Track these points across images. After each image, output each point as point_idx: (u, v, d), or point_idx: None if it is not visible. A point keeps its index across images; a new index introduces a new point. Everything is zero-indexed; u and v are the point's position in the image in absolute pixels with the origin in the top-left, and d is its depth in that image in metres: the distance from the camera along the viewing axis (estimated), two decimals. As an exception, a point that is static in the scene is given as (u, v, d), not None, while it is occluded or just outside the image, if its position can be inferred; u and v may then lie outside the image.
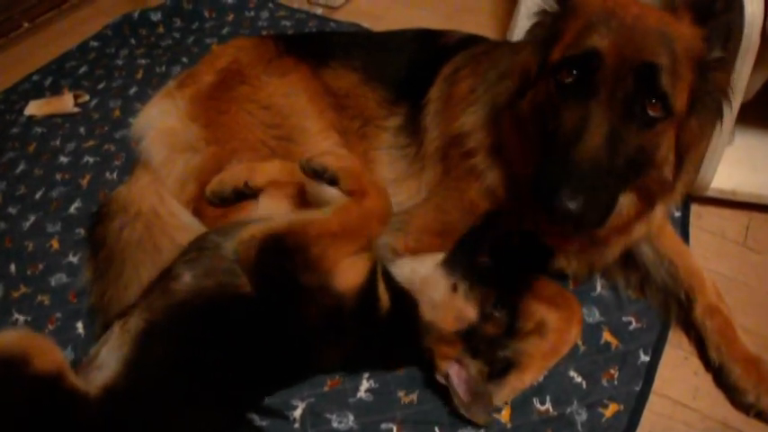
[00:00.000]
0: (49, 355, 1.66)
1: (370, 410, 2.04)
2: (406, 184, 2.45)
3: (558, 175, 1.60)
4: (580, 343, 2.19)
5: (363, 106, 2.55)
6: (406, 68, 2.61)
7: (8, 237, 2.71)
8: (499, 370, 2.02)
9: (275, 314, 1.83)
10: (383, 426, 2.01)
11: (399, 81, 2.57)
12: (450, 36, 2.69)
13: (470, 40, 2.62)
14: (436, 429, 2.00)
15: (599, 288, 2.39)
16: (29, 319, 2.37)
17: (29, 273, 2.55)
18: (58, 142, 3.21)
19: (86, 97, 3.47)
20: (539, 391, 2.07)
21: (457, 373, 1.93)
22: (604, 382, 2.11)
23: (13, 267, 2.58)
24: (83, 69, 3.73)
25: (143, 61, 3.75)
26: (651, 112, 1.68)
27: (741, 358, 2.11)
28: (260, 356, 1.86)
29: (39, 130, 3.31)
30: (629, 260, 2.36)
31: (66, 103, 3.41)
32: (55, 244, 2.65)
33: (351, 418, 2.03)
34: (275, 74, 2.53)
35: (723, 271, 2.52)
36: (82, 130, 3.27)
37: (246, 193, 2.22)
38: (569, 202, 1.55)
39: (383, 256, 2.11)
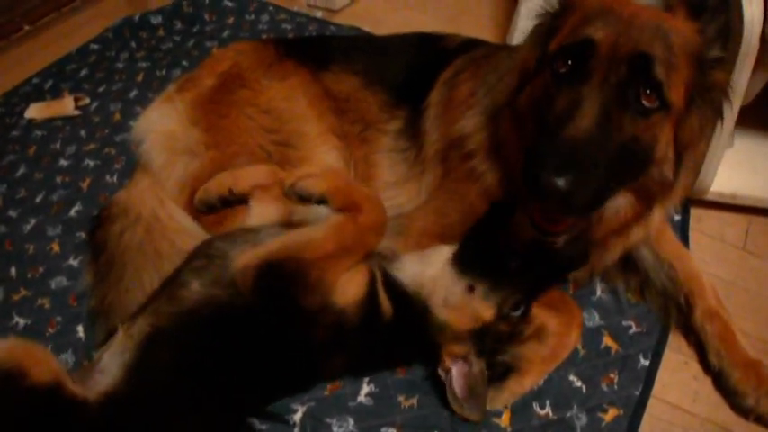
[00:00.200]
0: (45, 364, 1.65)
1: (370, 415, 2.04)
2: (407, 187, 2.46)
3: (547, 154, 1.59)
4: (580, 347, 2.20)
5: (364, 110, 2.55)
6: (407, 72, 2.61)
7: (8, 240, 2.71)
8: (499, 374, 2.03)
9: (280, 328, 1.83)
10: (383, 430, 2.01)
11: (400, 85, 2.58)
12: (450, 40, 2.69)
13: (470, 44, 2.63)
14: (436, 433, 2.00)
15: (599, 292, 2.39)
16: (29, 322, 2.37)
17: (29, 276, 2.55)
18: (58, 145, 3.20)
19: (87, 100, 3.47)
20: (538, 395, 2.07)
21: (459, 369, 1.92)
22: (604, 387, 2.11)
23: (13, 270, 2.57)
24: (83, 72, 3.72)
25: (143, 64, 3.74)
26: (646, 102, 1.68)
27: (740, 362, 2.11)
28: (264, 366, 1.86)
29: (39, 133, 3.30)
30: (629, 264, 2.36)
31: (66, 106, 3.40)
32: (55, 247, 2.65)
33: (351, 422, 2.02)
34: (275, 78, 2.53)
35: (723, 275, 2.52)
36: (82, 133, 3.27)
37: (232, 201, 2.22)
38: (557, 178, 1.52)
39: (384, 260, 2.09)
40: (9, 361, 1.60)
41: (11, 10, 3.99)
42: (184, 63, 3.70)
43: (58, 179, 3.00)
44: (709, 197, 2.69)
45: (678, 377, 2.20)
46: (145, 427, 1.72)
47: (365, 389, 2.10)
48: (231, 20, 4.09)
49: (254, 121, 2.41)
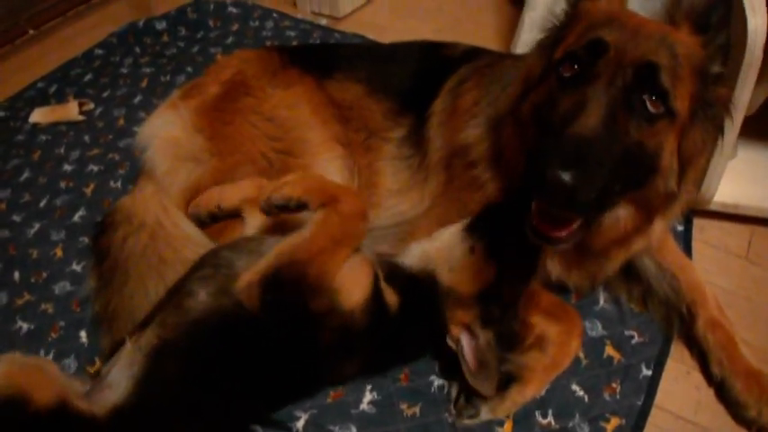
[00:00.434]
0: (47, 384, 1.61)
1: (373, 422, 2.04)
2: (410, 195, 2.46)
3: (552, 149, 1.59)
4: (582, 356, 2.20)
5: (368, 118, 2.56)
6: (411, 80, 2.62)
7: (12, 244, 2.72)
8: (501, 383, 2.02)
9: (287, 336, 1.83)
10: (385, 438, 2.02)
11: (404, 93, 2.58)
12: (454, 48, 2.70)
13: (474, 53, 2.63)
14: (438, 442, 2.00)
15: (601, 301, 2.39)
16: (32, 327, 2.37)
17: (33, 280, 2.55)
18: (62, 150, 3.21)
19: (91, 105, 3.48)
20: (541, 404, 2.07)
21: (467, 341, 1.94)
22: (606, 396, 2.11)
23: (16, 275, 2.58)
24: (88, 77, 3.73)
25: (148, 70, 3.75)
26: (652, 109, 1.69)
27: (743, 372, 2.11)
28: (271, 373, 1.86)
29: (43, 137, 3.31)
30: (632, 273, 2.36)
31: (70, 110, 3.41)
32: (59, 252, 2.66)
33: (353, 430, 2.03)
34: (279, 86, 2.53)
35: (725, 285, 2.52)
36: (86, 138, 3.27)
37: (222, 216, 2.23)
38: (562, 172, 1.51)
39: (388, 256, 2.13)
40: (8, 387, 1.55)
41: (16, 14, 4.00)
42: (188, 69, 3.71)
43: (62, 184, 3.00)
44: (712, 207, 2.69)
45: (680, 387, 2.20)
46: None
47: (368, 396, 2.10)
48: (235, 26, 4.10)
49: (257, 129, 2.41)
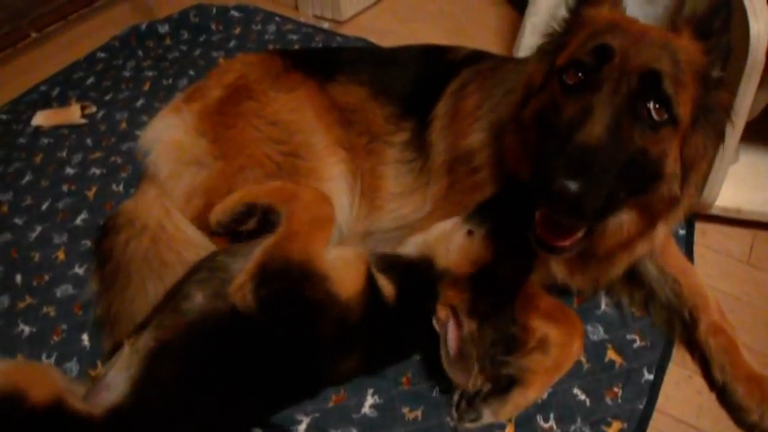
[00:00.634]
0: (44, 383, 1.63)
1: (375, 426, 2.05)
2: (412, 198, 2.46)
3: (558, 159, 1.59)
4: (584, 360, 2.20)
5: (371, 122, 2.56)
6: (413, 84, 2.62)
7: (14, 247, 2.72)
8: (503, 387, 2.03)
9: (286, 333, 1.84)
10: (387, 442, 2.02)
11: (406, 96, 2.58)
12: (456, 52, 2.70)
13: (477, 56, 2.64)
14: (440, 446, 2.00)
15: (603, 306, 2.39)
16: (34, 330, 2.37)
17: (35, 284, 2.55)
18: (64, 153, 3.22)
19: (93, 108, 3.48)
20: (542, 408, 2.08)
21: (452, 328, 1.94)
22: (608, 400, 2.11)
23: (18, 278, 2.58)
24: (90, 80, 3.74)
25: (150, 73, 3.76)
26: (655, 116, 1.70)
27: (745, 377, 2.10)
28: (274, 375, 1.86)
29: (45, 140, 3.32)
30: (634, 278, 2.36)
31: (73, 114, 3.41)
32: (61, 255, 2.66)
33: (355, 433, 2.03)
34: (282, 89, 2.53)
35: (727, 289, 2.52)
36: (88, 141, 3.28)
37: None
38: (569, 181, 1.53)
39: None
40: (6, 383, 1.58)
41: (18, 18, 4.01)
42: (191, 72, 3.72)
43: (65, 187, 3.01)
44: (714, 212, 2.70)
45: (682, 391, 2.20)
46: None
47: (370, 400, 2.10)
48: (238, 30, 4.11)
49: (261, 133, 2.41)
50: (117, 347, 1.86)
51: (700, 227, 2.75)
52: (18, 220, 2.85)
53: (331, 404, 2.09)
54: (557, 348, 2.10)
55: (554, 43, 1.99)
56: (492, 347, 1.98)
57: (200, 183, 2.33)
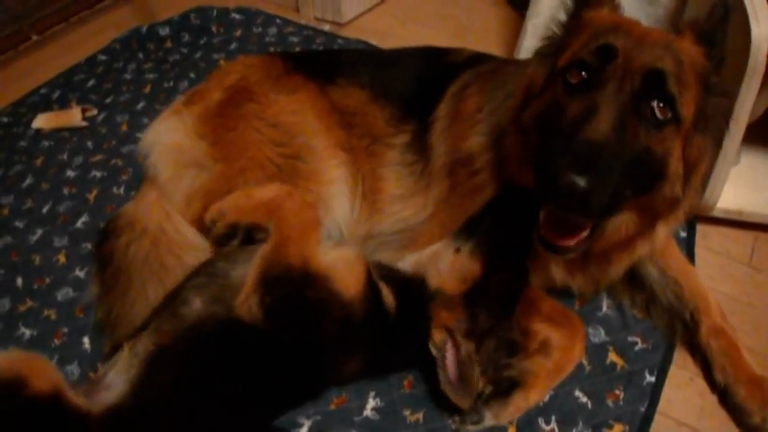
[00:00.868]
0: (45, 374, 1.65)
1: (376, 429, 2.04)
2: (413, 201, 2.46)
3: (565, 155, 1.60)
4: (586, 363, 2.20)
5: (371, 124, 2.55)
6: (414, 86, 2.62)
7: (15, 250, 2.72)
8: (504, 389, 2.02)
9: (293, 337, 1.84)
10: (388, 444, 2.01)
11: (407, 99, 2.58)
12: (457, 54, 2.70)
13: (478, 59, 2.64)
14: (441, 448, 2.00)
15: (605, 308, 2.39)
16: (35, 333, 2.37)
17: (35, 287, 2.55)
18: (65, 156, 3.21)
19: (94, 111, 3.48)
20: (544, 410, 2.07)
21: (450, 350, 1.93)
22: (610, 403, 2.11)
23: (19, 281, 2.58)
24: (91, 83, 3.74)
25: (151, 76, 3.76)
26: (659, 115, 1.71)
27: (746, 379, 2.10)
28: (275, 377, 1.86)
29: (46, 143, 3.31)
30: (635, 280, 2.37)
31: (73, 116, 3.41)
32: (62, 258, 2.66)
33: (356, 436, 2.03)
34: (283, 92, 2.53)
35: (728, 291, 2.52)
36: (89, 144, 3.28)
37: None
38: (577, 177, 1.53)
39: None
40: (9, 371, 1.60)
41: (19, 20, 4.01)
42: (192, 75, 3.72)
43: (65, 190, 3.01)
44: (716, 214, 2.70)
45: (684, 394, 2.20)
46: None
47: (371, 403, 2.10)
48: (239, 32, 4.11)
49: (261, 135, 2.41)
50: (117, 350, 1.86)
51: (701, 229, 2.75)
52: (19, 223, 2.85)
53: (332, 407, 2.09)
54: (558, 351, 2.10)
55: (554, 46, 1.99)
56: (494, 351, 1.98)
57: (200, 185, 2.33)
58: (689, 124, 1.77)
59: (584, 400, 2.11)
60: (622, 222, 1.92)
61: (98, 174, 3.08)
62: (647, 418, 2.09)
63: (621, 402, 2.11)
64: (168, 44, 4.06)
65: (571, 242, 1.80)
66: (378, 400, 2.11)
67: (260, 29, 4.14)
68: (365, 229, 2.49)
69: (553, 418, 2.06)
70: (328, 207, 2.41)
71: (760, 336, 2.35)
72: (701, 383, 2.22)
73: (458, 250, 2.03)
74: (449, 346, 1.93)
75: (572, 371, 2.14)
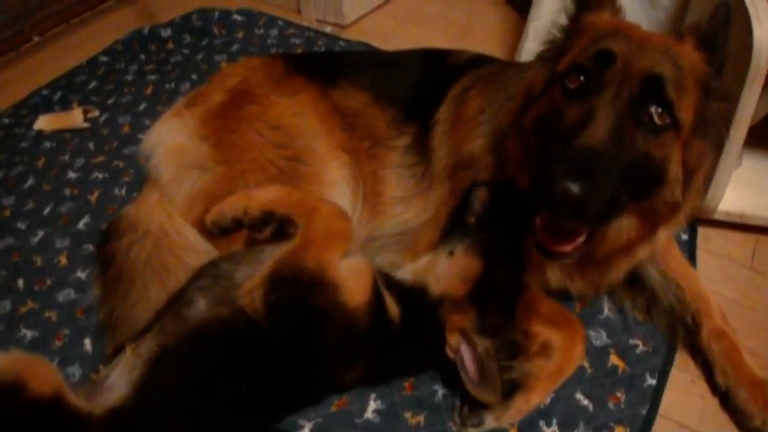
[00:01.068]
0: (45, 376, 1.65)
1: (377, 431, 2.04)
2: (414, 203, 2.46)
3: (560, 162, 1.60)
4: (587, 365, 2.20)
5: (373, 126, 2.55)
6: (415, 88, 2.62)
7: (16, 251, 2.71)
8: (506, 392, 2.02)
9: (293, 341, 1.84)
10: (390, 447, 2.01)
11: (408, 101, 2.58)
12: (458, 56, 2.70)
13: (479, 61, 2.64)
14: (443, 451, 2.00)
15: (606, 310, 2.39)
16: (36, 334, 2.37)
17: (36, 288, 2.55)
18: (66, 157, 3.21)
19: (96, 112, 3.48)
20: (545, 413, 2.07)
21: (466, 350, 1.93)
22: (611, 405, 2.11)
23: (20, 282, 2.58)
24: (92, 84, 3.74)
25: (152, 77, 3.75)
26: (657, 120, 1.71)
27: (747, 382, 2.10)
28: (277, 382, 1.86)
29: (48, 144, 3.31)
30: (636, 282, 2.36)
31: (75, 118, 3.41)
32: (63, 259, 2.66)
33: (357, 438, 2.03)
34: (285, 94, 2.53)
35: (730, 294, 2.52)
36: (91, 145, 3.28)
37: (245, 222, 2.22)
38: (571, 183, 1.53)
39: (389, 268, 2.16)
40: (9, 372, 1.60)
41: (20, 21, 4.01)
42: (193, 76, 3.71)
43: (67, 191, 3.00)
44: (717, 217, 2.70)
45: (685, 396, 2.20)
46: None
47: (372, 405, 2.10)
48: (240, 34, 4.10)
49: (263, 137, 2.41)
50: (119, 351, 1.87)
51: (702, 231, 2.75)
52: (20, 225, 2.85)
53: (334, 409, 2.09)
54: (559, 353, 2.10)
55: (555, 49, 2.00)
56: (496, 353, 1.98)
57: (201, 187, 2.32)
58: (688, 129, 1.77)
59: (586, 402, 2.11)
60: (624, 227, 1.91)
61: (100, 175, 3.07)
62: (648, 421, 2.09)
63: (622, 405, 2.11)
64: (170, 45, 4.05)
65: (567, 248, 1.80)
66: (379, 402, 2.11)
67: (262, 30, 4.14)
68: (366, 232, 2.49)
69: (554, 420, 2.06)
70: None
71: (761, 338, 2.35)
72: (702, 386, 2.22)
73: (451, 253, 2.03)
74: (464, 346, 1.93)
75: (573, 373, 2.14)
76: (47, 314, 2.44)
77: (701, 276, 2.40)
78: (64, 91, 3.69)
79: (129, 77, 3.78)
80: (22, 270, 2.63)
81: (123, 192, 2.96)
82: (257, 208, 2.00)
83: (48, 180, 3.09)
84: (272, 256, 1.89)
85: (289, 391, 1.91)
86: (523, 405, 2.04)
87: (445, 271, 2.02)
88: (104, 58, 3.95)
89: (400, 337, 1.95)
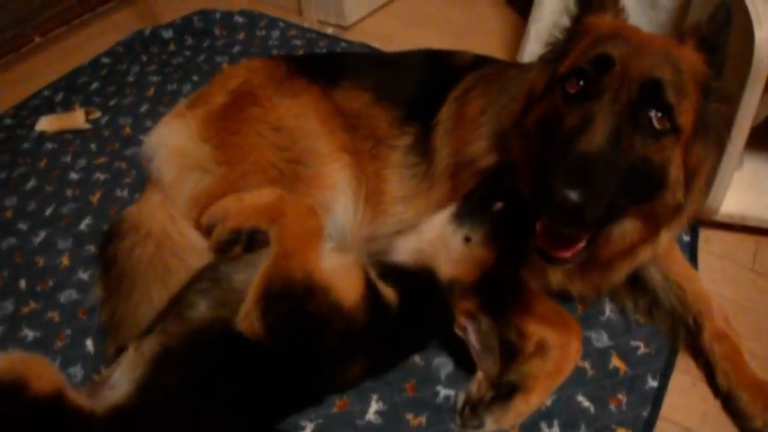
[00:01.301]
0: (46, 375, 1.66)
1: (378, 433, 2.05)
2: (415, 203, 2.47)
3: (559, 168, 1.59)
4: (588, 367, 2.20)
5: (375, 126, 2.55)
6: (417, 89, 2.62)
7: (18, 252, 2.72)
8: (505, 394, 2.03)
9: (296, 350, 1.85)
10: (391, 448, 2.02)
11: (410, 101, 2.58)
12: (460, 57, 2.71)
13: (480, 62, 2.65)
14: (444, 452, 2.00)
15: (607, 312, 2.39)
16: (38, 335, 2.38)
17: (39, 289, 2.55)
18: (68, 158, 3.22)
19: (97, 114, 3.48)
20: (547, 415, 2.07)
21: (471, 327, 1.98)
22: (612, 407, 2.11)
23: (23, 283, 2.58)
24: (94, 86, 3.74)
25: (154, 78, 3.76)
26: (657, 124, 1.70)
27: (749, 384, 2.10)
28: (279, 382, 1.87)
29: (50, 145, 3.32)
30: (638, 284, 2.36)
31: (77, 119, 3.42)
32: (65, 260, 2.66)
33: (359, 440, 2.03)
34: (286, 95, 2.53)
35: (731, 296, 2.51)
36: (93, 146, 3.28)
37: None
38: (569, 191, 1.52)
39: (378, 256, 2.17)
40: (10, 372, 1.61)
41: (22, 23, 4.03)
42: (195, 78, 3.72)
43: (69, 192, 3.01)
44: (719, 218, 2.69)
45: (686, 398, 2.20)
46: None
47: (373, 406, 2.10)
48: (242, 35, 4.11)
49: (265, 139, 2.41)
50: (121, 352, 1.88)
51: (704, 233, 2.75)
52: (22, 226, 2.85)
53: (335, 410, 2.09)
54: (555, 351, 2.11)
55: (556, 51, 2.00)
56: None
57: (203, 188, 2.32)
58: (689, 132, 1.77)
59: (587, 404, 2.11)
60: (626, 230, 1.91)
61: (101, 176, 3.08)
62: (650, 423, 2.09)
63: (624, 407, 2.11)
64: (171, 47, 4.06)
65: (567, 254, 1.80)
66: (380, 403, 2.11)
67: (263, 32, 4.14)
68: (368, 231, 2.49)
69: (556, 422, 2.06)
70: (331, 210, 2.40)
71: (763, 340, 2.35)
72: (703, 388, 2.22)
73: (468, 239, 2.04)
74: (469, 323, 1.99)
75: (572, 372, 2.15)
76: (49, 315, 2.44)
77: (702, 278, 2.40)
78: (65, 92, 3.70)
79: (131, 79, 3.79)
80: (24, 271, 2.64)
81: (125, 193, 2.97)
82: (225, 229, 2.05)
83: (49, 181, 3.09)
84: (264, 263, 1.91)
85: (290, 391, 1.92)
86: (523, 406, 2.04)
87: (460, 256, 2.04)
88: (106, 60, 3.95)
89: (398, 320, 1.96)
